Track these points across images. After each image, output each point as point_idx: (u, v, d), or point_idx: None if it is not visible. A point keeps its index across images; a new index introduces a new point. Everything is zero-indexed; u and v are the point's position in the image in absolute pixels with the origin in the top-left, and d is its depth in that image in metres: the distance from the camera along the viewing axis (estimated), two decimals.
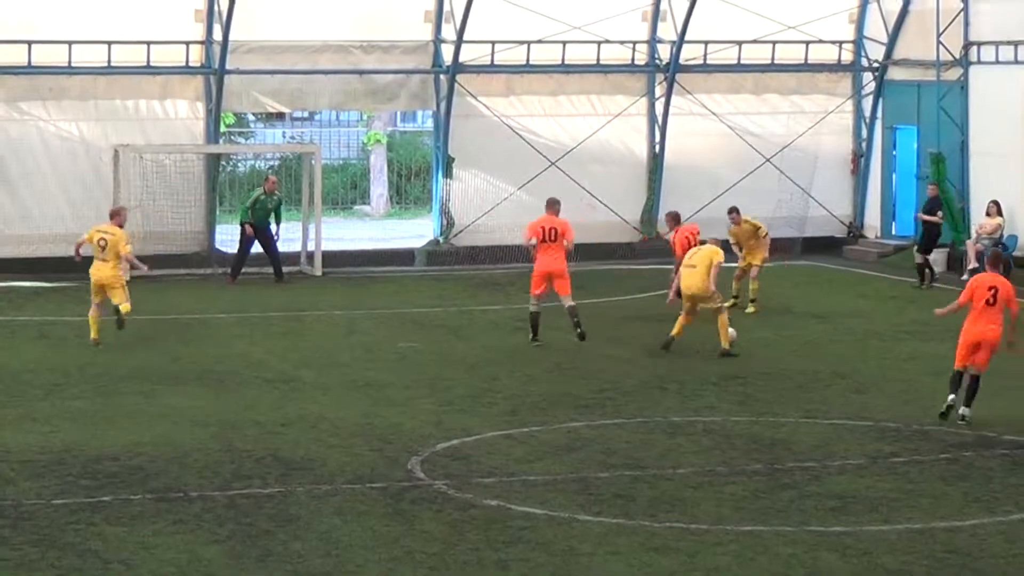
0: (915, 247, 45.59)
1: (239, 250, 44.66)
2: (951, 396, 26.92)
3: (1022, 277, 44.27)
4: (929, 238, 44.84)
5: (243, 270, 44.40)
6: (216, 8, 45.81)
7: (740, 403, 29.26)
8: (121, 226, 35.58)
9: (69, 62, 45.30)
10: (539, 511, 22.31)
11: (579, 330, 34.24)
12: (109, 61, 45.57)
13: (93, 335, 34.58)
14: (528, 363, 33.31)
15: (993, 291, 26.59)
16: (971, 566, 19.84)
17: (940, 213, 45.46)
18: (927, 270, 44.20)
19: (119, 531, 21.27)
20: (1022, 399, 29.45)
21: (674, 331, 33.02)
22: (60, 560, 19.99)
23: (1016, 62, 47.08)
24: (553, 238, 35.04)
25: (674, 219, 38.13)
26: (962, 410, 26.83)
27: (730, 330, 32.88)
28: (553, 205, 36.28)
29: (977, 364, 26.82)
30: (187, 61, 46.50)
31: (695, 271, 33.08)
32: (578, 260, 47.07)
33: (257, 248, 44.45)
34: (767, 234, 39.80)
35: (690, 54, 49.76)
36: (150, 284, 43.35)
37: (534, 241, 34.98)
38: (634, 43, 49.68)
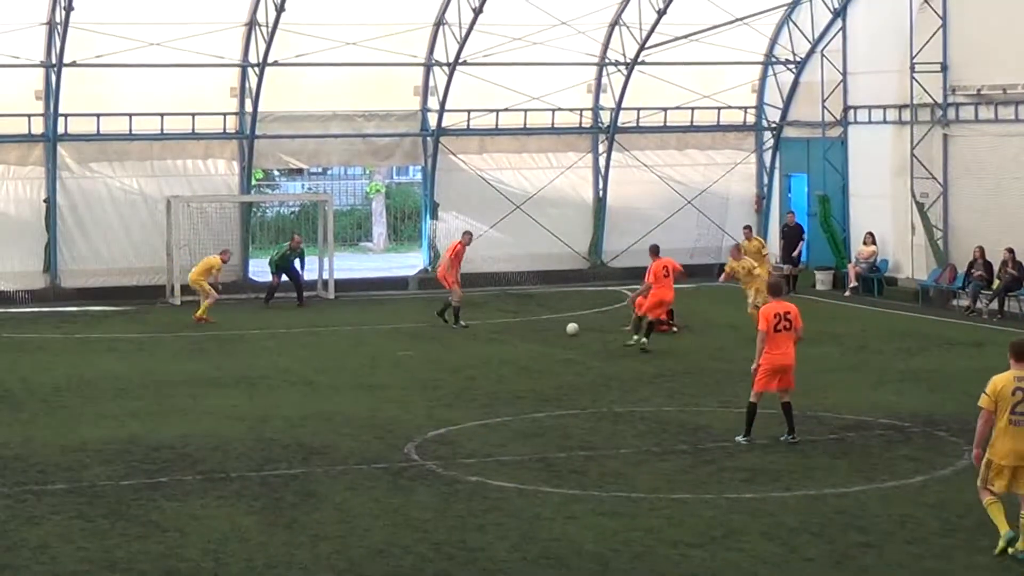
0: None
1: (272, 280, 44.57)
2: (742, 439, 24.90)
3: (891, 293, 44.66)
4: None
5: (275, 296, 44.37)
6: (247, 86, 45.87)
7: (669, 396, 29.25)
8: (224, 261, 37.72)
9: (130, 130, 45.21)
10: (510, 485, 22.34)
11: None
12: (162, 129, 45.52)
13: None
14: (500, 367, 33.26)
15: (785, 317, 25.20)
16: (855, 524, 19.89)
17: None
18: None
19: (174, 505, 21.28)
20: (894, 391, 29.50)
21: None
22: (127, 529, 20.02)
23: (885, 122, 47.12)
24: (666, 274, 35.68)
25: (654, 251, 37.45)
26: (785, 437, 24.93)
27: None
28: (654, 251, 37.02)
29: (784, 388, 25.02)
30: (224, 128, 46.48)
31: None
32: (539, 284, 47.21)
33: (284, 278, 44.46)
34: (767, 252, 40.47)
35: (626, 118, 49.77)
36: (197, 308, 43.29)
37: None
38: (581, 110, 49.70)
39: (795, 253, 47.71)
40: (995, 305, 40.96)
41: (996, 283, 41.33)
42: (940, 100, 44.61)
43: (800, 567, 18.28)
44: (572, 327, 24.58)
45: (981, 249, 42.11)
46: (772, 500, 21.28)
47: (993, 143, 43.15)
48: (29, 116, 44.36)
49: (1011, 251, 41.04)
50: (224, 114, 46.41)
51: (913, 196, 45.39)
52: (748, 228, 41.71)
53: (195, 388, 30.77)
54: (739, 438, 24.93)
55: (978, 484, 18.62)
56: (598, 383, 30.60)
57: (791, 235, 47.62)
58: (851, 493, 21.14)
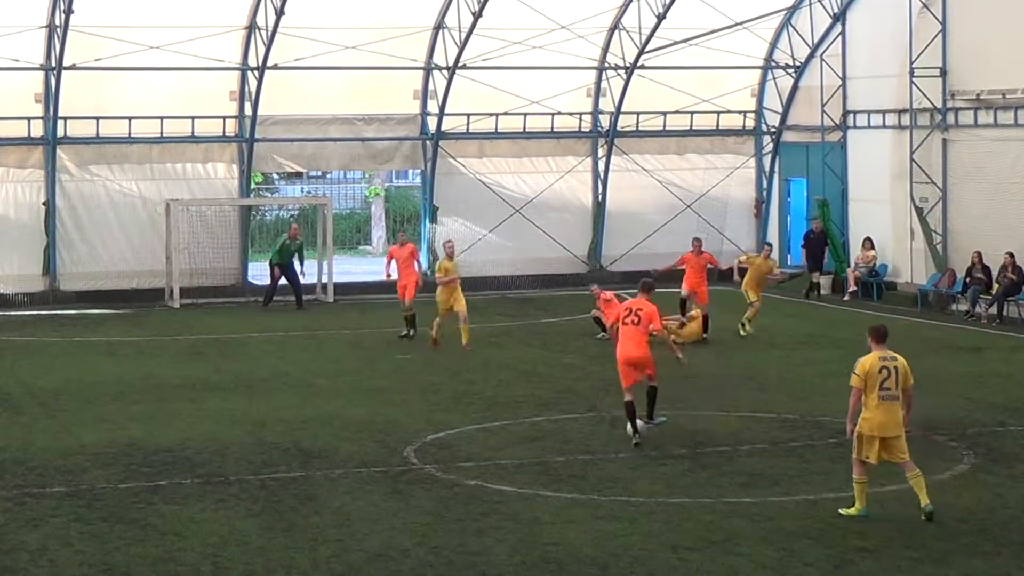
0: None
1: (270, 284, 44.62)
2: (632, 431, 25.14)
3: (891, 298, 44.69)
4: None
5: (274, 299, 44.37)
6: (247, 89, 45.96)
7: (667, 400, 29.17)
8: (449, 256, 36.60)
9: (129, 133, 45.41)
10: (509, 488, 22.33)
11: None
12: (161, 132, 45.73)
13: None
14: (499, 370, 33.29)
15: (635, 312, 25.34)
16: (854, 529, 19.91)
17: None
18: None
19: (173, 508, 21.28)
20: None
21: None
22: (125, 533, 20.02)
23: (884, 127, 47.22)
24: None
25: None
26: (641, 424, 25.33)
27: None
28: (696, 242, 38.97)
29: (648, 376, 25.41)
30: (224, 132, 46.61)
31: None
32: (538, 287, 47.21)
33: (283, 281, 44.47)
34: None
35: (625, 122, 49.85)
36: (196, 310, 43.30)
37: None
38: (580, 114, 49.77)
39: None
40: (994, 310, 41.01)
41: (995, 287, 41.38)
42: (939, 105, 44.68)
43: (799, 571, 18.28)
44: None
45: (980, 254, 42.16)
46: (771, 504, 21.28)
47: (992, 148, 43.21)
48: (29, 119, 44.54)
49: (1011, 255, 41.08)
50: (223, 117, 46.53)
51: (912, 201, 45.44)
52: (768, 246, 42.07)
53: (194, 392, 30.78)
54: (631, 432, 25.10)
55: (853, 456, 20.51)
56: (597, 387, 30.53)
57: (816, 242, 47.42)
58: (850, 497, 21.13)
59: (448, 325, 36.19)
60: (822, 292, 46.56)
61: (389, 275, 39.14)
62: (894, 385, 20.29)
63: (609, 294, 37.54)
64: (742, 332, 37.55)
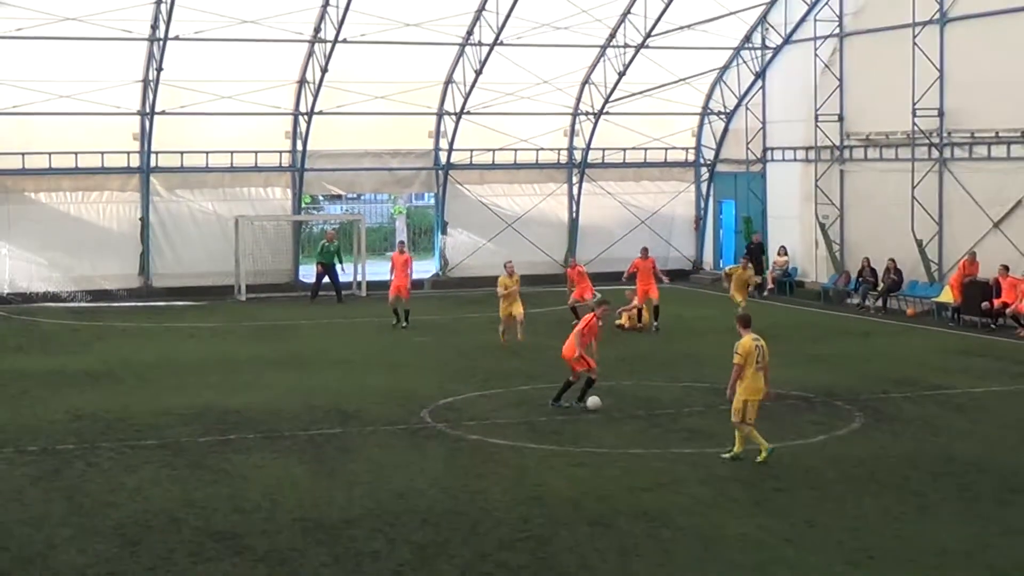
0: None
1: (315, 282, 44.57)
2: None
3: (800, 293, 44.65)
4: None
5: (319, 294, 44.30)
6: (299, 130, 45.89)
7: (628, 373, 29.23)
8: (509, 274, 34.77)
9: (207, 164, 45.28)
10: (503, 442, 22.35)
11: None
12: (232, 163, 45.60)
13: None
14: (496, 350, 33.22)
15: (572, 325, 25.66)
16: (771, 474, 19.96)
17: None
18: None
19: (240, 457, 21.31)
20: (802, 370, 29.43)
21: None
22: (203, 476, 20.08)
23: (795, 160, 47.17)
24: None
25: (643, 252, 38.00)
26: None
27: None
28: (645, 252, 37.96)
29: (572, 372, 25.33)
30: (280, 163, 46.49)
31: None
32: (525, 285, 47.19)
33: (326, 280, 44.44)
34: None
35: (594, 156, 49.76)
36: (259, 303, 43.23)
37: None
38: (559, 150, 49.69)
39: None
40: (880, 303, 41.02)
41: (880, 286, 41.40)
42: (838, 143, 44.67)
43: (729, 506, 18.30)
44: (594, 402, 23.89)
45: (868, 259, 42.15)
46: (707, 455, 21.27)
47: (879, 177, 43.19)
48: (128, 153, 44.47)
49: (893, 261, 41.11)
50: (280, 152, 46.43)
51: (817, 218, 45.41)
52: (746, 258, 40.39)
53: (257, 366, 30.77)
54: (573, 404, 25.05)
55: (735, 420, 20.70)
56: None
57: (756, 251, 46.42)
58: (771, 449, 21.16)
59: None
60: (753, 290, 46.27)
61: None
62: (763, 359, 20.66)
63: (582, 268, 37.73)
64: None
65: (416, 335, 35.90)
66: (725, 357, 25.09)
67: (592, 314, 25.89)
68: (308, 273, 47.03)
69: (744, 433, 20.74)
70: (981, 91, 38.79)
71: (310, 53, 44.39)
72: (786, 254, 46.27)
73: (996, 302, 36.68)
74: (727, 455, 20.82)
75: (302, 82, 45.18)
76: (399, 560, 15.97)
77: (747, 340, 20.69)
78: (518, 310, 33.99)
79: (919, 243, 40.68)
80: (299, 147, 46.29)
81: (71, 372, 29.82)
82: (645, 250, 38.45)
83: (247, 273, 45.21)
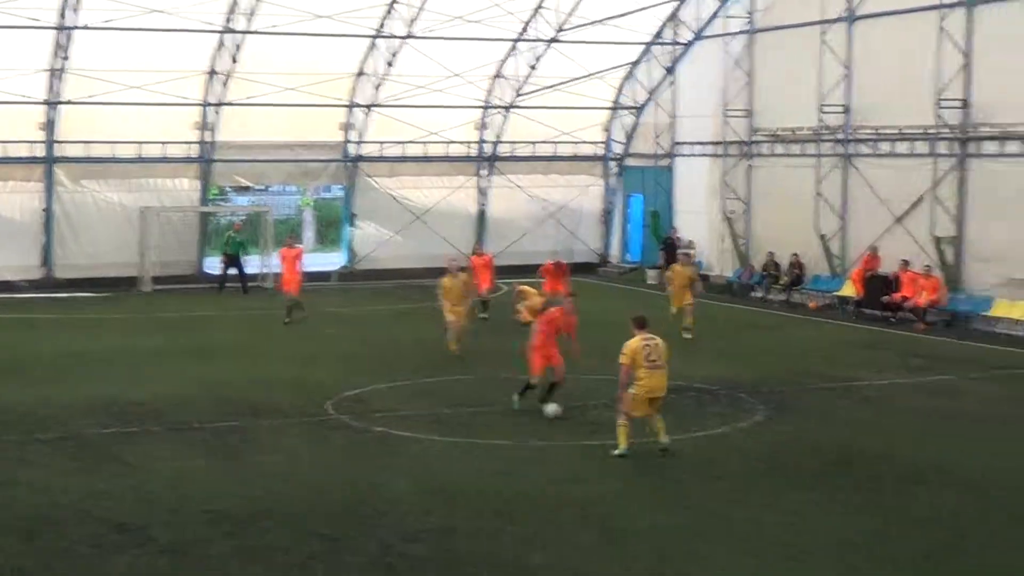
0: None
1: (222, 273, 44.34)
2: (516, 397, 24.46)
3: (706, 286, 44.87)
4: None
5: (226, 285, 44.07)
6: (207, 120, 45.54)
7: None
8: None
9: (113, 154, 44.80)
10: (408, 434, 22.31)
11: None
12: (140, 154, 45.16)
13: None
14: (401, 341, 33.20)
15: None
16: (676, 464, 20.15)
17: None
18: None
19: (145, 449, 21.15)
20: (706, 362, 29.66)
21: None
22: (108, 468, 19.91)
23: (703, 155, 47.55)
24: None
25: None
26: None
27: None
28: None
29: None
30: (188, 154, 46.12)
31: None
32: (433, 277, 47.12)
33: (233, 271, 44.21)
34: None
35: (504, 149, 49.88)
36: (164, 295, 42.88)
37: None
38: (469, 143, 49.74)
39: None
40: (783, 296, 41.47)
41: (783, 280, 41.85)
42: (746, 139, 45.08)
43: (632, 499, 18.42)
44: (552, 410, 23.19)
45: (772, 254, 42.63)
46: (611, 447, 21.33)
47: (785, 173, 43.63)
48: (32, 143, 43.89)
49: (796, 255, 41.60)
50: (188, 143, 46.05)
51: (723, 212, 45.83)
52: (686, 255, 38.56)
53: (162, 358, 30.52)
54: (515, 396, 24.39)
55: (619, 410, 20.67)
56: (478, 355, 30.53)
57: (672, 245, 46.37)
58: (674, 441, 21.33)
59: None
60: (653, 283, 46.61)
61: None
62: (658, 358, 20.52)
63: (489, 258, 37.89)
64: (687, 336, 32.84)
65: (324, 327, 35.78)
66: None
67: (557, 310, 25.05)
68: (214, 265, 46.79)
69: (620, 424, 20.63)
70: (887, 89, 39.31)
71: (220, 44, 44.05)
72: (692, 247, 46.57)
73: (896, 296, 37.25)
74: (617, 452, 20.63)
75: (212, 73, 44.82)
76: (305, 553, 15.92)
77: (636, 341, 20.63)
78: (453, 313, 31.08)
79: (823, 238, 41.18)
80: (208, 138, 45.98)
81: None
82: (555, 257, 38.86)
83: (152, 264, 44.88)
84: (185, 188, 46.49)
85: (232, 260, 44.21)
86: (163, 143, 45.42)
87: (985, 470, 20.13)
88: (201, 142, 46.08)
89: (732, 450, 21.04)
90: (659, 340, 20.87)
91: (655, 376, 20.53)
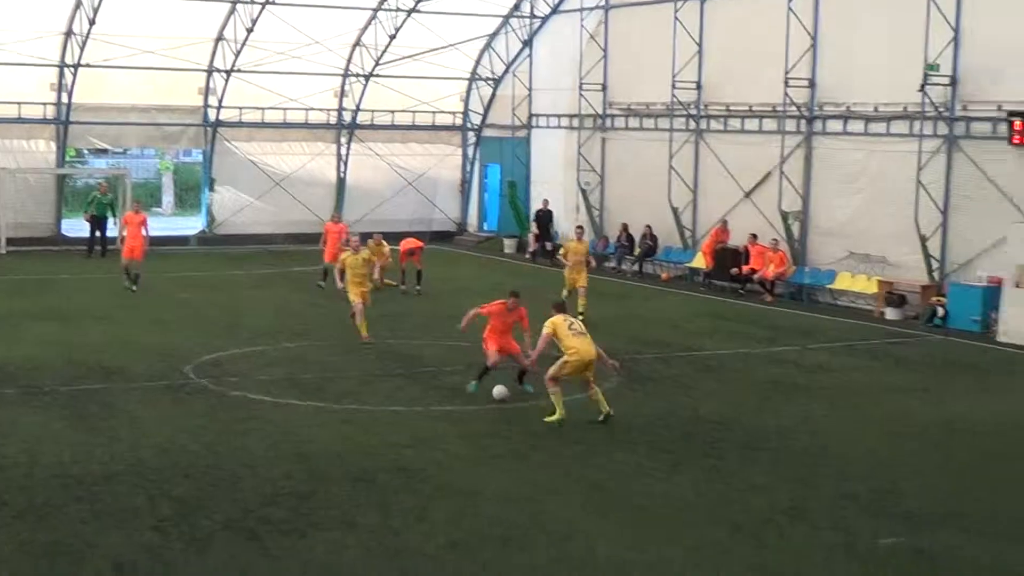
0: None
1: (91, 235, 43.62)
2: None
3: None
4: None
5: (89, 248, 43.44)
6: (64, 82, 44.67)
7: (391, 331, 29.32)
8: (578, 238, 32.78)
9: None
10: (267, 399, 22.24)
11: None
12: None
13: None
14: (262, 307, 33.01)
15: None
16: (528, 430, 20.24)
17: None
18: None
19: None
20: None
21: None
22: None
23: (559, 127, 47.81)
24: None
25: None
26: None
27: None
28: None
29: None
30: (44, 115, 45.20)
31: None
32: (292, 243, 46.85)
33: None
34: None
35: (363, 118, 49.65)
36: (20, 256, 42.12)
37: None
38: (328, 110, 49.43)
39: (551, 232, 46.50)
40: (636, 267, 41.94)
41: (637, 251, 42.30)
42: (601, 112, 45.41)
43: (488, 462, 18.58)
44: (499, 391, 22.43)
45: (626, 225, 43.06)
46: (467, 412, 21.54)
47: (638, 147, 44.05)
48: None
49: (649, 227, 42.08)
50: (44, 104, 45.17)
51: (579, 184, 46.15)
52: (580, 229, 35.76)
53: (17, 320, 29.98)
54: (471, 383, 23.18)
55: (549, 375, 20.68)
56: (335, 322, 30.39)
57: (544, 218, 46.53)
58: (528, 407, 21.50)
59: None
60: (525, 251, 46.76)
61: (122, 238, 36.72)
62: (580, 328, 20.93)
63: (344, 227, 37.34)
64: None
65: (181, 291, 35.43)
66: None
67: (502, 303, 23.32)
68: (71, 227, 46.04)
69: (552, 392, 20.74)
70: (737, 67, 39.86)
71: (78, 4, 43.17)
72: (537, 214, 46.86)
73: (745, 268, 37.88)
74: (552, 419, 20.62)
75: (69, 33, 43.94)
76: (159, 516, 15.81)
77: (559, 319, 21.01)
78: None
79: (675, 210, 41.68)
80: (64, 100, 45.10)
81: None
82: (336, 215, 39.86)
83: (8, 226, 44.02)
84: (41, 150, 45.65)
85: (96, 221, 43.51)
86: (18, 103, 44.45)
87: (824, 436, 20.65)
88: (58, 103, 45.20)
89: (586, 416, 21.19)
90: (575, 319, 21.37)
91: (582, 341, 20.66)
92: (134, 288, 35.06)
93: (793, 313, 34.59)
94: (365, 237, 32.20)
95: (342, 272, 28.23)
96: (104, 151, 57.42)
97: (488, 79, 50.57)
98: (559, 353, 20.86)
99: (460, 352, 26.69)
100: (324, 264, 36.19)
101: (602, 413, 20.76)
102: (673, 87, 41.40)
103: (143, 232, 35.79)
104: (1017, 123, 31.56)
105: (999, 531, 16.16)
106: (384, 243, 34.96)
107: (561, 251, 34.09)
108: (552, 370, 20.72)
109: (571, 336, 20.69)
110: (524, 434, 20.15)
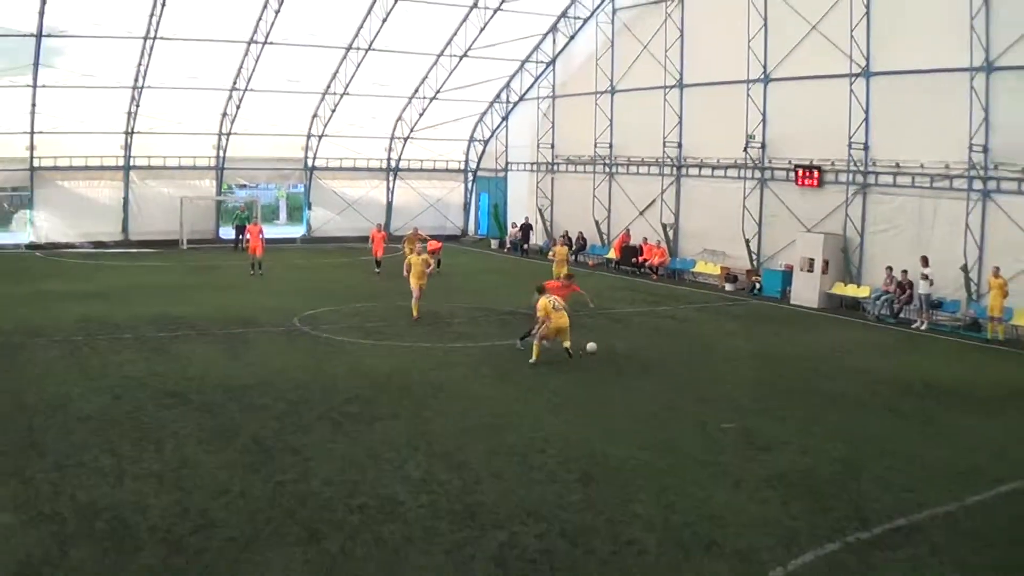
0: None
1: (236, 237, 42.72)
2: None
3: (528, 252, 45.28)
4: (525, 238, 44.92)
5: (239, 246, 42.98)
6: (220, 143, 43.99)
7: (428, 298, 29.22)
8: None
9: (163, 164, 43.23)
10: (346, 339, 22.25)
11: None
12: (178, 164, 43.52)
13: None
14: (341, 282, 32.49)
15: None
16: (513, 360, 20.14)
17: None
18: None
19: (184, 346, 20.58)
20: (519, 295, 29.72)
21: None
22: (161, 357, 19.30)
23: (526, 171, 47.67)
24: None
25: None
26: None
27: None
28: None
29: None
30: (209, 164, 44.04)
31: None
32: (362, 243, 46.43)
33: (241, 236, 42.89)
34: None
35: (403, 164, 48.95)
36: (194, 251, 41.66)
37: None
38: (381, 159, 48.36)
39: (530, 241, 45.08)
40: (573, 257, 41.76)
41: (574, 247, 42.12)
42: (551, 161, 45.29)
43: (482, 380, 18.67)
44: (591, 346, 20.86)
45: (567, 231, 42.96)
46: (470, 348, 21.57)
47: (573, 184, 43.68)
48: None
49: (581, 232, 41.94)
50: (209, 157, 43.62)
51: (537, 206, 46.08)
52: (563, 236, 34.23)
53: (192, 290, 29.44)
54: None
55: (539, 335, 19.90)
56: (388, 292, 29.71)
57: (526, 228, 44.97)
58: (504, 345, 21.70)
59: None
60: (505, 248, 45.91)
61: (245, 240, 35.66)
62: (561, 305, 19.96)
63: (384, 233, 35.82)
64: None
65: (284, 273, 35.27)
66: (481, 288, 25.38)
67: (558, 282, 22.45)
68: (224, 232, 45.71)
69: (536, 344, 20.03)
70: (634, 132, 40.11)
71: (229, 96, 42.50)
72: (517, 226, 46.80)
73: (640, 259, 38.16)
74: (532, 360, 19.87)
75: (224, 114, 43.04)
76: (279, 411, 16.18)
77: (543, 299, 19.87)
78: (414, 284, 24.99)
79: (597, 223, 41.91)
80: (221, 155, 44.44)
81: (78, 292, 28.60)
82: (379, 225, 38.38)
83: (189, 231, 43.86)
84: (207, 185, 44.31)
85: (239, 229, 43.52)
86: (194, 157, 43.41)
87: (688, 362, 20.90)
88: (217, 156, 44.15)
89: (545, 357, 20.72)
90: (556, 297, 20.15)
91: (560, 316, 19.83)
92: (260, 273, 33.66)
93: (670, 286, 34.73)
94: (423, 241, 30.48)
95: (409, 267, 25.43)
96: (244, 185, 57.14)
97: (480, 140, 50.50)
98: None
99: (464, 311, 26.71)
100: (374, 258, 35.80)
101: (569, 353, 20.03)
102: (595, 145, 41.62)
103: (260, 237, 34.66)
104: (800, 172, 32.02)
105: (789, 417, 16.67)
106: (422, 232, 34.25)
107: (550, 253, 34.14)
108: (539, 332, 20.06)
109: (553, 312, 19.79)
110: (501, 363, 20.23)
